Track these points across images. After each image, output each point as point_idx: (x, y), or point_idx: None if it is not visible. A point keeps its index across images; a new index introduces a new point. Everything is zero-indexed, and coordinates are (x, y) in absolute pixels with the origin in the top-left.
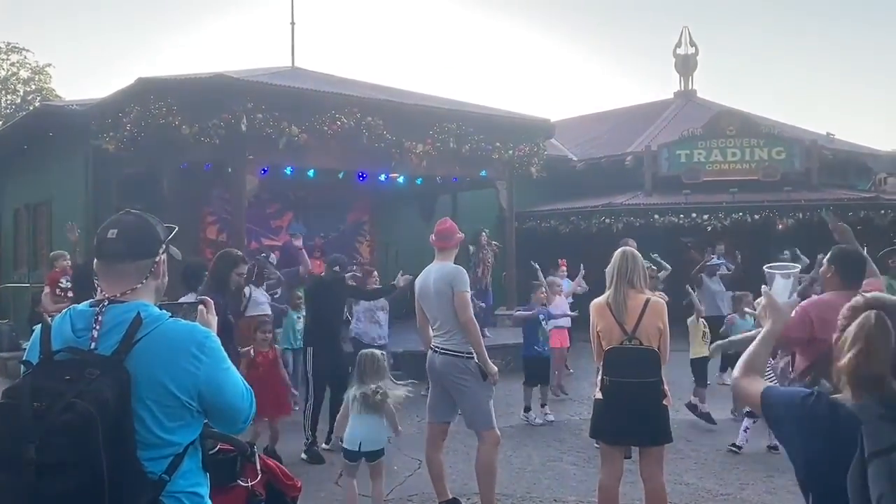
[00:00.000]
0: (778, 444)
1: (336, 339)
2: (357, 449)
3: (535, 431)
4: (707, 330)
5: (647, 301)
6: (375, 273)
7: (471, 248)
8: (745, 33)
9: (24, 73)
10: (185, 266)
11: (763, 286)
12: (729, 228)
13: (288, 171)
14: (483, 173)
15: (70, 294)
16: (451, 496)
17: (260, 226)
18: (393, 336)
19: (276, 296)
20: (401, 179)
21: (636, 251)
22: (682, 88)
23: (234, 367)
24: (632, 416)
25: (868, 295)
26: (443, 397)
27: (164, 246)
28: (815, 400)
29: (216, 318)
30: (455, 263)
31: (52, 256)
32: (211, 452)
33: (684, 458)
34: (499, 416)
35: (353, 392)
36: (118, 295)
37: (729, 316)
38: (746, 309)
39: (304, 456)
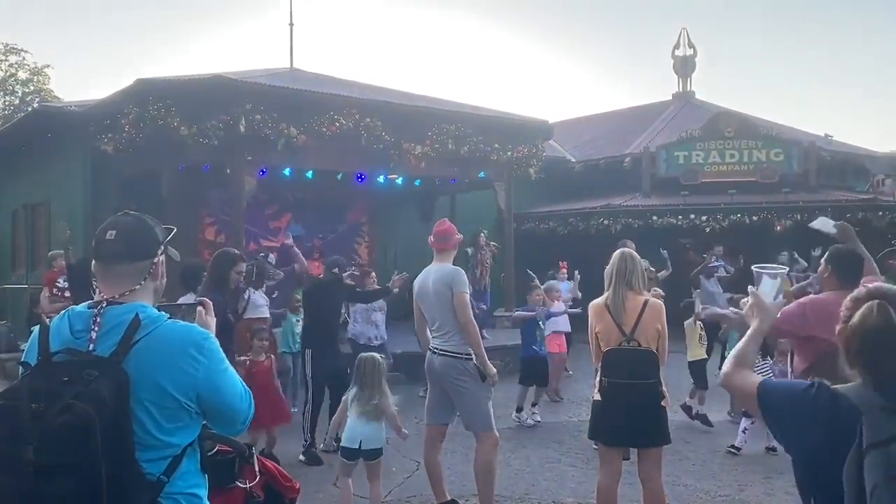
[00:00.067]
0: (776, 445)
1: (335, 340)
2: (357, 447)
3: (534, 433)
4: (704, 332)
5: (646, 302)
6: (373, 273)
7: (469, 251)
8: (743, 35)
9: (22, 75)
10: (183, 267)
11: (750, 286)
12: (727, 230)
13: (286, 172)
14: (482, 174)
15: (67, 294)
16: (449, 498)
17: (258, 227)
18: (391, 337)
19: (275, 296)
20: (399, 181)
21: (635, 252)
22: (681, 90)
23: (232, 369)
24: (630, 417)
25: (870, 286)
26: (441, 399)
27: (162, 247)
28: (817, 391)
29: (215, 319)
30: (454, 265)
31: (51, 256)
32: (209, 454)
33: (683, 459)
34: (497, 417)
35: (352, 394)
36: (116, 296)
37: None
38: (733, 309)
39: (302, 458)
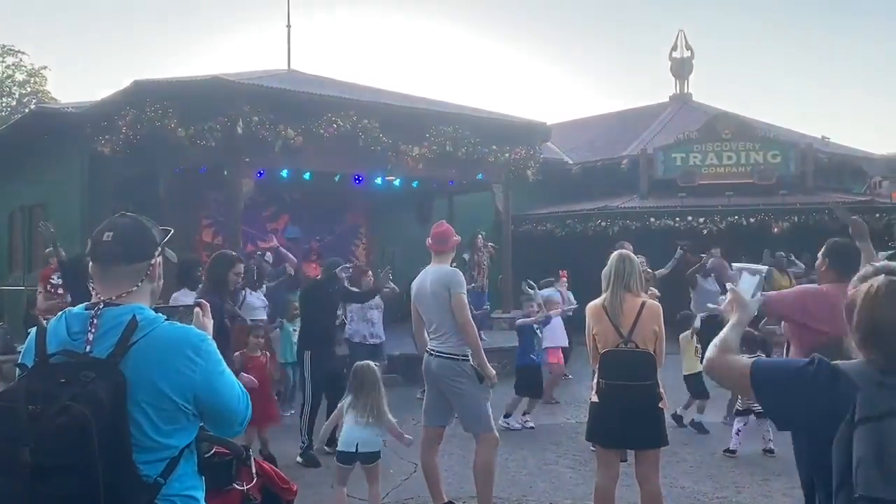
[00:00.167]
0: (773, 447)
1: (332, 342)
2: (354, 450)
3: (531, 435)
4: (699, 346)
5: (643, 304)
6: (370, 272)
7: (465, 257)
8: (740, 37)
9: (19, 76)
10: (179, 262)
11: (729, 283)
12: (724, 232)
13: (284, 173)
14: (479, 176)
15: (60, 291)
16: (447, 500)
17: (256, 229)
18: (388, 339)
19: (274, 285)
20: (397, 182)
21: (632, 254)
22: (678, 92)
23: (230, 371)
24: (628, 419)
25: (877, 263)
26: (438, 401)
27: (159, 249)
28: (818, 366)
29: (212, 321)
30: (451, 267)
31: (47, 253)
32: (206, 456)
33: (680, 461)
34: (494, 419)
35: (348, 401)
36: (114, 298)
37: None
38: (710, 305)
39: (299, 459)
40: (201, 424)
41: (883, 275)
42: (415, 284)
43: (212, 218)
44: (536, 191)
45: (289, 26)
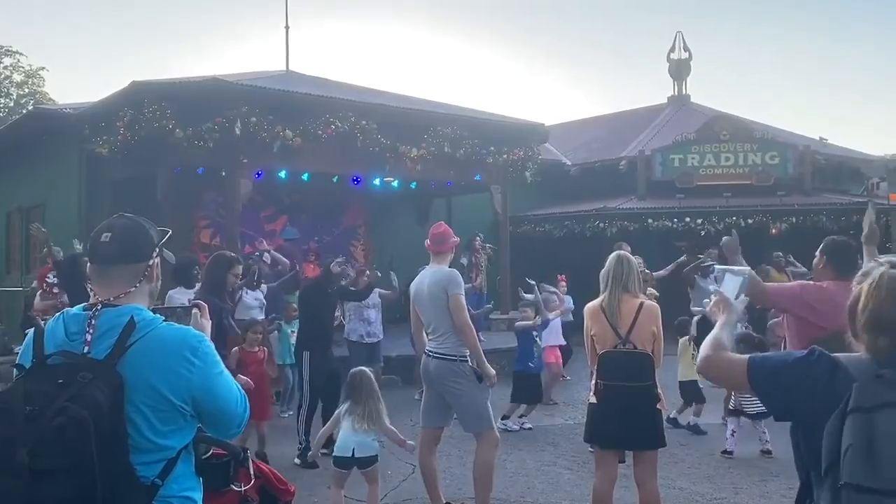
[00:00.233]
0: (771, 448)
1: (331, 342)
2: (350, 455)
3: (529, 436)
4: (696, 352)
5: (642, 305)
6: (368, 273)
7: (463, 262)
8: (738, 39)
9: (17, 77)
10: (176, 260)
11: (712, 286)
12: (722, 233)
13: (282, 174)
14: (478, 177)
15: (55, 290)
16: (444, 501)
17: (254, 230)
18: (386, 340)
19: (276, 284)
20: (395, 183)
21: (630, 255)
22: (676, 93)
23: (228, 372)
24: (626, 420)
25: (881, 258)
26: (436, 402)
27: (157, 249)
28: (818, 358)
29: (210, 322)
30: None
31: (44, 254)
32: (204, 457)
33: (678, 462)
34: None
35: (344, 408)
36: (111, 298)
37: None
38: (694, 308)
39: (297, 461)
40: (199, 425)
41: (887, 266)
42: (413, 285)
43: (210, 219)
44: (534, 192)
45: (287, 27)
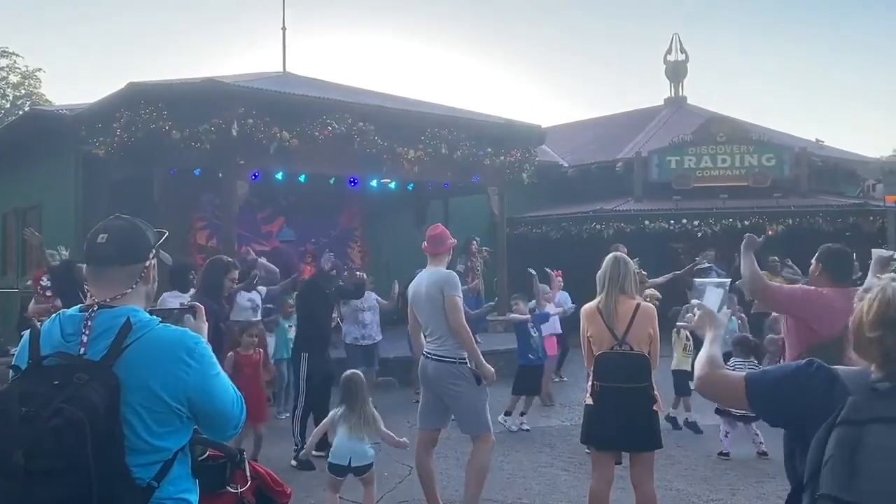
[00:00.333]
0: (767, 450)
1: (328, 344)
2: (346, 464)
3: (526, 437)
4: (690, 342)
5: (638, 306)
6: (363, 276)
7: (460, 268)
8: (735, 40)
9: (13, 78)
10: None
11: (694, 299)
12: (719, 234)
13: (279, 176)
14: (475, 179)
15: (49, 294)
16: (441, 503)
17: (250, 231)
18: (383, 342)
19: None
20: (392, 185)
21: (627, 257)
22: (673, 95)
23: (224, 374)
24: (622, 421)
25: (885, 276)
26: (434, 404)
27: (154, 251)
28: (816, 369)
29: (206, 324)
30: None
31: (39, 256)
32: (200, 458)
33: (675, 463)
34: (493, 416)
35: (339, 412)
36: (108, 300)
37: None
38: (680, 323)
39: (293, 462)
40: (195, 427)
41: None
42: (411, 288)
43: (206, 220)
44: (531, 193)
45: (284, 29)
